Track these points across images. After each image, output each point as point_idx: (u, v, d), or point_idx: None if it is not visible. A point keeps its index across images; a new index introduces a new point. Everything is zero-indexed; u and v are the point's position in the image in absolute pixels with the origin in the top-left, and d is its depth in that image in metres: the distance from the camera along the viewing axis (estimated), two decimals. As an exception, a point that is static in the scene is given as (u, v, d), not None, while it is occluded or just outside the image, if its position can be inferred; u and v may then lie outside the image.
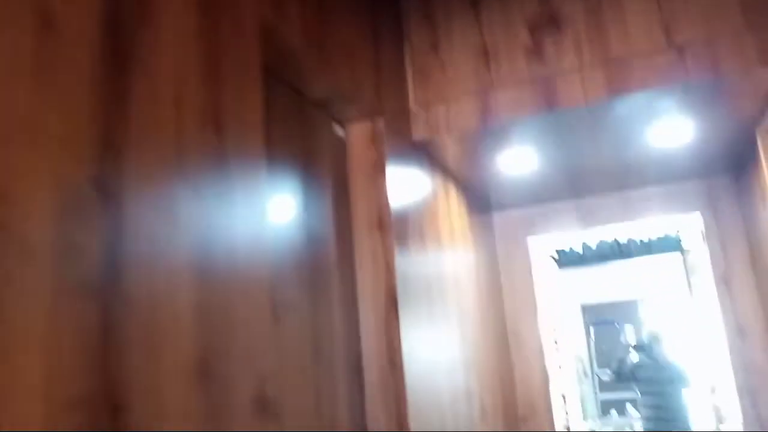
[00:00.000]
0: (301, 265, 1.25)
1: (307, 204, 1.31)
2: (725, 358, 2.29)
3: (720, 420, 2.32)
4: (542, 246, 2.63)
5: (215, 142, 0.87)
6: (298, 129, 1.33)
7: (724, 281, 2.35)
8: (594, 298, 5.56)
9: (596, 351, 5.71)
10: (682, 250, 2.44)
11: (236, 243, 0.88)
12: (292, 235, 1.23)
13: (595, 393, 5.57)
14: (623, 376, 4.21)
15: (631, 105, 1.68)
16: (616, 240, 2.47)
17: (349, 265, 1.47)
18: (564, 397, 2.54)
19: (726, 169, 2.35)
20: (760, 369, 2.27)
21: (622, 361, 4.38)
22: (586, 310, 5.79)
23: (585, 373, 5.64)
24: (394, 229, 1.51)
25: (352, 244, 1.49)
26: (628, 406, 5.13)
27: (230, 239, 0.87)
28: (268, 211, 1.03)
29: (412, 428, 1.38)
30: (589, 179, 2.42)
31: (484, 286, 2.39)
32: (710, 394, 2.46)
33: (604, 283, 5.23)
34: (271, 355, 0.98)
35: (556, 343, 2.60)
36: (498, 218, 2.74)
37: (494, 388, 2.26)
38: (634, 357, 4.13)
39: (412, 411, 1.40)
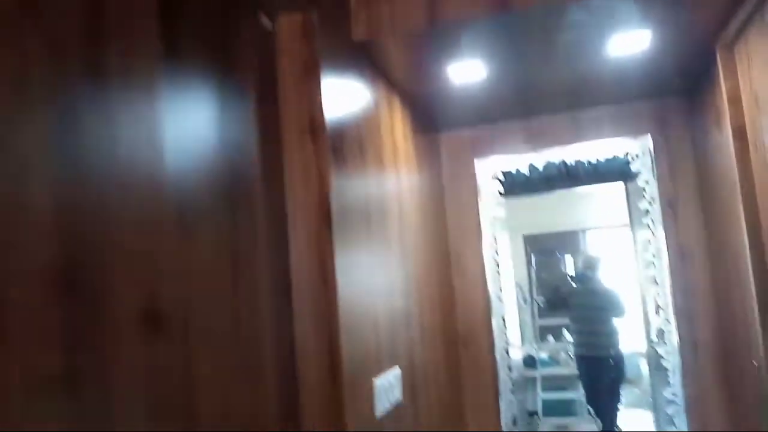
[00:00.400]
0: (218, 174, 1.09)
1: (225, 106, 1.13)
2: (665, 282, 2.29)
3: (656, 343, 2.34)
4: (489, 168, 2.53)
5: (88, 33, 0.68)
6: (214, 19, 1.13)
7: (670, 205, 2.32)
8: (537, 228, 5.62)
9: (537, 279, 5.83)
10: (629, 176, 2.39)
11: (116, 146, 0.71)
12: (204, 141, 1.06)
13: (534, 319, 5.73)
14: (557, 303, 4.30)
15: (589, 10, 1.54)
16: (563, 162, 2.39)
17: (277, 175, 1.32)
18: (504, 322, 2.52)
19: (680, 90, 2.27)
20: (698, 292, 2.28)
21: (557, 289, 4.47)
22: (529, 240, 5.87)
23: (525, 300, 5.78)
24: (329, 139, 1.36)
25: (281, 151, 1.33)
26: (564, 332, 5.30)
27: (106, 140, 0.70)
28: (165, 113, 0.86)
29: (345, 350, 1.28)
30: (540, 98, 2.30)
31: (427, 208, 2.28)
32: (647, 318, 2.48)
33: (548, 214, 5.27)
34: (171, 268, 0.84)
35: (498, 267, 2.55)
36: (444, 138, 2.61)
37: (435, 310, 2.19)
38: (569, 285, 4.20)
39: (345, 333, 1.30)
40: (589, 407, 4.04)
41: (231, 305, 1.14)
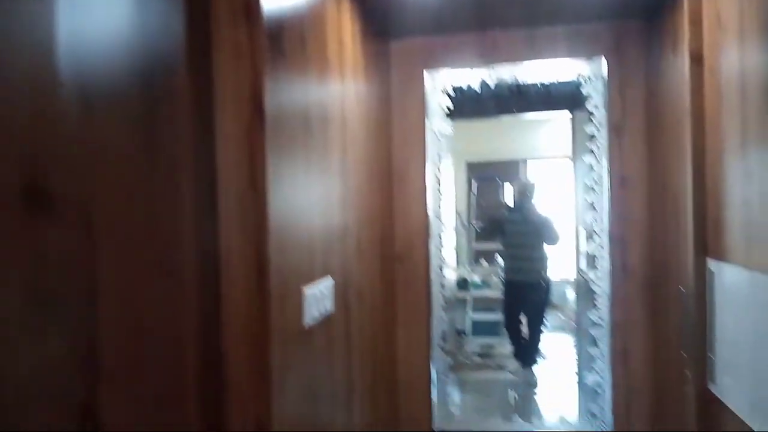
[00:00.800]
0: (134, 57, 0.95)
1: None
2: (604, 208, 2.30)
3: (587, 270, 2.38)
4: (439, 82, 2.42)
5: None
6: None
7: (617, 131, 2.29)
8: (481, 156, 5.60)
9: (476, 205, 5.89)
10: (578, 103, 2.34)
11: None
12: (115, 18, 0.90)
13: (470, 243, 5.82)
14: (493, 229, 4.33)
15: None
16: (515, 82, 2.31)
17: (204, 61, 1.17)
18: (441, 242, 2.50)
19: (639, 12, 2.19)
20: (634, 219, 2.30)
21: (493, 216, 4.50)
22: (472, 166, 5.86)
23: (463, 225, 5.85)
24: (265, 26, 1.21)
25: (210, 33, 1.18)
26: (497, 257, 5.42)
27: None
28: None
29: (274, 256, 1.20)
30: (496, 8, 2.18)
31: (372, 119, 2.17)
32: (579, 246, 2.51)
33: (493, 142, 5.25)
34: (66, 151, 0.72)
35: (439, 188, 2.50)
36: (395, 46, 2.47)
37: (373, 224, 2.13)
38: (505, 212, 4.23)
39: (276, 243, 1.21)
40: (507, 329, 4.18)
41: (145, 198, 1.03)
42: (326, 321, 1.52)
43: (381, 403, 2.21)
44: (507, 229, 4.11)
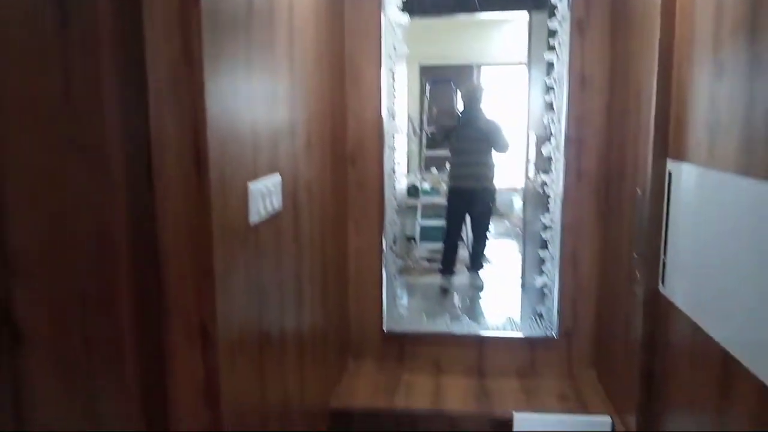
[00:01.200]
0: None
1: None
2: (562, 109, 2.23)
3: (542, 173, 2.34)
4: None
5: None
6: None
7: (579, 26, 2.19)
8: (435, 60, 5.41)
9: (429, 111, 5.76)
10: (541, 1, 2.20)
11: None
12: None
13: (421, 150, 5.75)
14: (444, 136, 4.24)
15: None
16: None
17: None
18: (394, 146, 2.41)
19: None
20: (592, 120, 2.25)
21: (444, 121, 4.40)
22: (426, 70, 5.68)
23: (414, 131, 5.74)
24: None
25: None
26: (447, 164, 5.39)
27: None
28: None
29: (214, 150, 1.07)
30: None
31: (324, 15, 1.98)
32: (528, 153, 2.47)
33: (448, 45, 5.05)
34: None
35: (394, 88, 2.37)
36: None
37: (323, 124, 2.00)
38: (456, 118, 4.13)
39: (215, 131, 1.08)
40: (447, 235, 4.18)
41: (59, 72, 0.88)
42: (274, 219, 1.42)
43: (332, 304, 2.17)
44: (454, 135, 4.04)
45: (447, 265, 3.72)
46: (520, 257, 2.85)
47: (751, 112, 1.16)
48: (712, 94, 1.35)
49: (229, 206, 1.15)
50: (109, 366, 1.00)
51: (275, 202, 1.40)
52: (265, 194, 1.32)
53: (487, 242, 4.25)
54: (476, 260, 4.02)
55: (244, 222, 1.23)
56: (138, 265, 1.03)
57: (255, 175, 1.30)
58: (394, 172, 2.43)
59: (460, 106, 5.60)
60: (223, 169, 1.12)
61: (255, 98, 1.31)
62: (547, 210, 2.33)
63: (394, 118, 2.39)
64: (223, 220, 1.11)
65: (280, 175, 1.46)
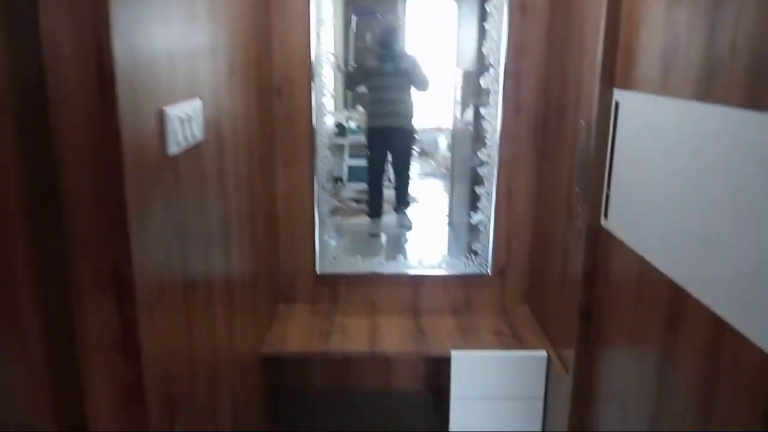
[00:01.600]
0: None
1: None
2: (502, 39, 2.13)
3: (475, 107, 2.26)
4: None
5: None
6: None
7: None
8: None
9: (354, 46, 5.53)
10: None
11: None
12: None
13: (346, 87, 5.55)
14: (366, 72, 4.06)
15: None
16: None
17: None
18: (322, 80, 2.26)
19: None
20: (533, 50, 2.17)
21: (367, 58, 4.22)
22: (351, 1, 5.42)
23: (339, 67, 5.52)
24: None
25: None
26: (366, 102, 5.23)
27: None
28: None
29: (119, 72, 0.89)
30: None
31: None
32: (458, 91, 2.38)
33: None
34: None
35: (321, 19, 2.20)
36: None
37: (248, 50, 1.81)
38: (375, 54, 3.95)
39: (123, 54, 0.90)
40: (370, 176, 4.09)
41: None
42: (195, 150, 1.26)
43: (261, 244, 2.03)
44: (372, 71, 3.88)
45: (374, 208, 3.62)
46: (447, 196, 2.81)
47: (714, 37, 1.09)
48: (669, 20, 1.28)
49: (142, 133, 0.98)
50: (2, 320, 0.84)
51: (196, 131, 1.23)
52: (185, 120, 1.15)
53: (411, 182, 4.19)
54: (401, 200, 3.95)
55: (161, 151, 1.07)
56: (33, 200, 0.86)
57: (173, 99, 1.12)
58: (323, 108, 2.28)
59: (380, 40, 5.40)
60: (134, 90, 0.94)
61: (169, 11, 1.12)
62: (484, 145, 2.26)
63: (320, 51, 2.23)
64: (135, 148, 0.94)
65: (201, 100, 1.29)
